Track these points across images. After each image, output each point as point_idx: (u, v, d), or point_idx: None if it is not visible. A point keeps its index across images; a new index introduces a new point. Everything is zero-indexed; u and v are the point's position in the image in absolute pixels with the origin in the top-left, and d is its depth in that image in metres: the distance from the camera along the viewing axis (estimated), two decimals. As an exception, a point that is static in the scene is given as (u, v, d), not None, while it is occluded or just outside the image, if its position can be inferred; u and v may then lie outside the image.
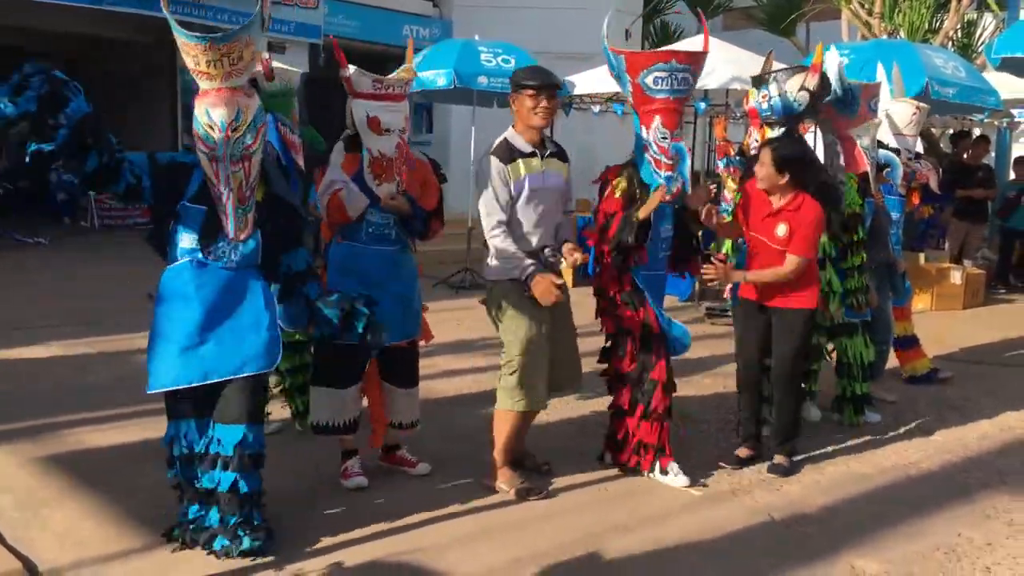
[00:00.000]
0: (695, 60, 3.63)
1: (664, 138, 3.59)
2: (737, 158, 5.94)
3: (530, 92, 3.52)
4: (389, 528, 3.30)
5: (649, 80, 3.55)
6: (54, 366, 5.53)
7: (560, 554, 3.15)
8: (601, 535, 3.32)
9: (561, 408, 4.81)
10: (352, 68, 3.50)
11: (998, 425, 4.87)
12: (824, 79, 4.26)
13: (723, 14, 17.82)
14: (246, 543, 2.99)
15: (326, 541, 3.18)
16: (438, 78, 8.92)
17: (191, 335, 2.96)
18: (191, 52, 2.82)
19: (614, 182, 3.76)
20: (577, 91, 9.58)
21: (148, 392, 3.01)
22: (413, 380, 3.83)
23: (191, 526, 3.06)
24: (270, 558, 3.02)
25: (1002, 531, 3.46)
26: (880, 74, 5.61)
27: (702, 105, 8.63)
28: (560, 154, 3.70)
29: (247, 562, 2.99)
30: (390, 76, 3.57)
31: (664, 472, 3.82)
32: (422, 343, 3.95)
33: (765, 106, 4.32)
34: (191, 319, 2.96)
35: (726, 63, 7.75)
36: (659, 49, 3.61)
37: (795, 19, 13.76)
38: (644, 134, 3.65)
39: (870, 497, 3.80)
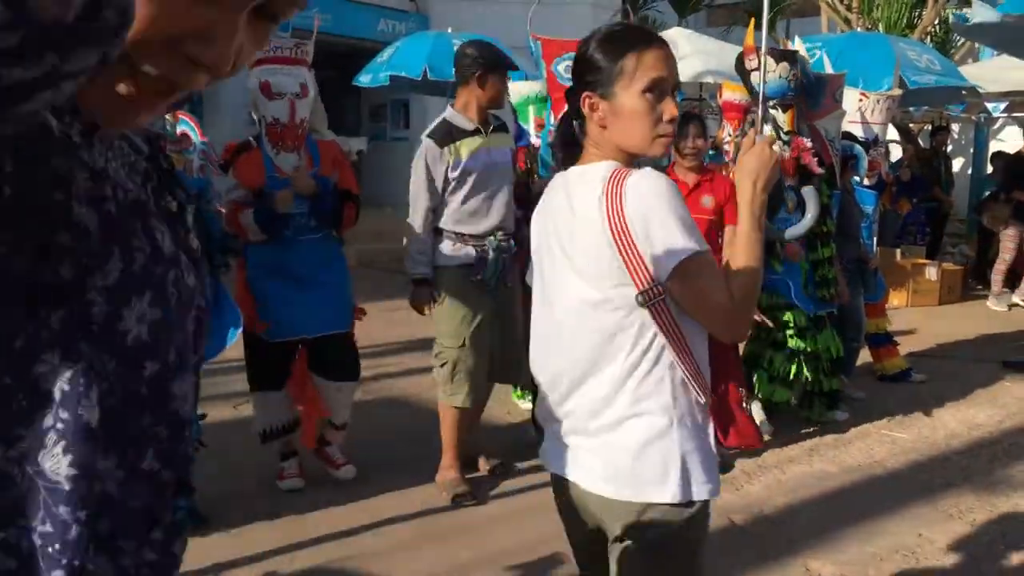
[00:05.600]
0: None
1: None
2: (711, 151, 5.83)
3: (502, 74, 3.44)
4: (329, 533, 3.18)
5: (561, 68, 3.50)
6: None
7: (507, 558, 3.03)
8: (552, 539, 3.19)
9: (524, 404, 4.69)
10: None
11: (967, 423, 4.78)
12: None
13: (704, 10, 17.77)
14: None
15: (261, 547, 3.05)
16: (410, 70, 8.79)
17: None
18: None
19: (520, 166, 3.90)
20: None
21: None
22: (347, 373, 3.60)
23: None
24: (204, 564, 2.89)
25: (964, 532, 3.37)
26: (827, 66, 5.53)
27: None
28: (503, 126, 3.61)
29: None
30: (280, 37, 3.40)
31: None
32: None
33: (793, 84, 4.18)
34: None
35: (697, 55, 7.64)
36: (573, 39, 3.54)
37: (776, 15, 13.73)
38: (552, 120, 3.63)
39: (832, 497, 3.70)
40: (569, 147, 1.65)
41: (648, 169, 1.53)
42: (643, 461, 1.52)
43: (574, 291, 1.57)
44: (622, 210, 1.46)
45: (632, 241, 1.46)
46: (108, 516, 0.66)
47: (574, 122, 1.62)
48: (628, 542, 1.59)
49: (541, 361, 1.71)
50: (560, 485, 1.69)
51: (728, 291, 1.48)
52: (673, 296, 1.49)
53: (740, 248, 1.54)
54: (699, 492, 1.53)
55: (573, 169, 1.63)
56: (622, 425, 1.54)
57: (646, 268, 1.47)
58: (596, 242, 1.50)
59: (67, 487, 0.62)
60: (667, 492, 1.51)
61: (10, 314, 0.59)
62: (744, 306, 1.49)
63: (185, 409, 0.73)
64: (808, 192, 4.18)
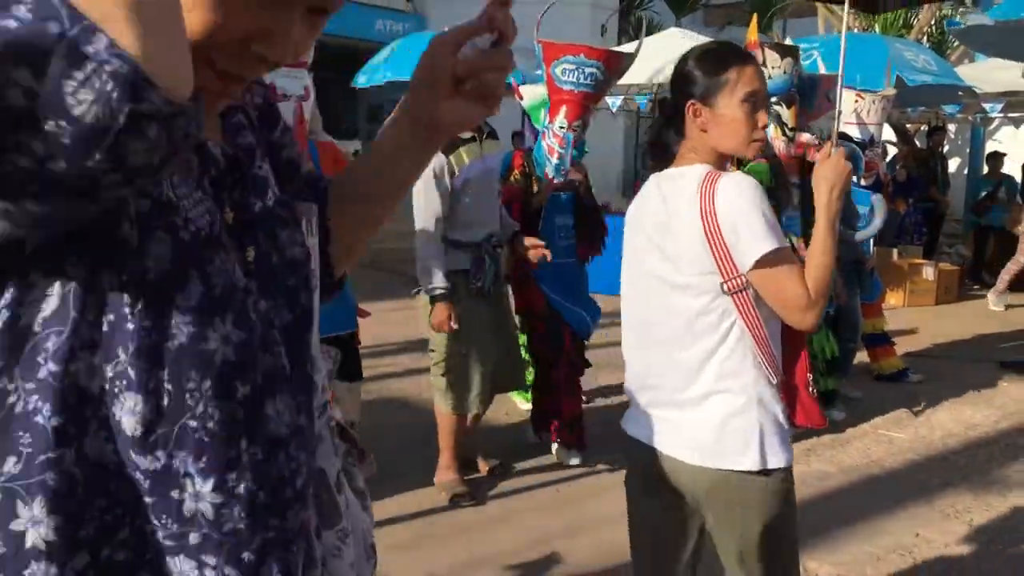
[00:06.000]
0: (607, 58, 3.47)
1: (562, 127, 3.53)
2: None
3: None
4: (329, 533, 3.18)
5: (558, 71, 3.48)
6: None
7: (505, 559, 3.04)
8: (552, 539, 3.21)
9: (524, 404, 4.70)
10: None
11: (963, 423, 4.80)
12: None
13: (701, 10, 17.81)
14: None
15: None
16: (407, 72, 8.79)
17: None
18: None
19: (517, 169, 3.95)
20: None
21: None
22: (354, 372, 3.61)
23: None
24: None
25: (961, 531, 3.38)
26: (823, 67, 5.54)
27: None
28: (494, 133, 3.67)
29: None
30: None
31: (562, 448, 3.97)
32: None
33: (796, 80, 4.19)
34: None
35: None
36: (574, 43, 3.50)
37: (773, 15, 13.76)
38: (547, 121, 3.63)
39: (829, 497, 3.71)
40: (661, 152, 1.83)
41: (739, 172, 1.72)
42: (725, 434, 1.70)
43: (661, 277, 1.75)
44: (714, 207, 1.65)
45: (721, 235, 1.65)
46: (197, 530, 0.69)
47: (669, 130, 1.80)
48: (715, 507, 1.77)
49: (630, 340, 1.90)
50: (641, 452, 1.83)
51: (804, 285, 1.65)
52: (754, 286, 1.67)
53: (816, 248, 1.71)
54: (775, 460, 1.71)
55: (668, 171, 1.80)
56: (706, 401, 1.72)
57: (731, 260, 1.66)
58: (688, 234, 1.68)
59: (141, 489, 0.67)
60: (747, 461, 1.69)
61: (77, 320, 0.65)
62: (818, 299, 1.67)
63: (282, 430, 0.74)
64: (877, 199, 4.27)
